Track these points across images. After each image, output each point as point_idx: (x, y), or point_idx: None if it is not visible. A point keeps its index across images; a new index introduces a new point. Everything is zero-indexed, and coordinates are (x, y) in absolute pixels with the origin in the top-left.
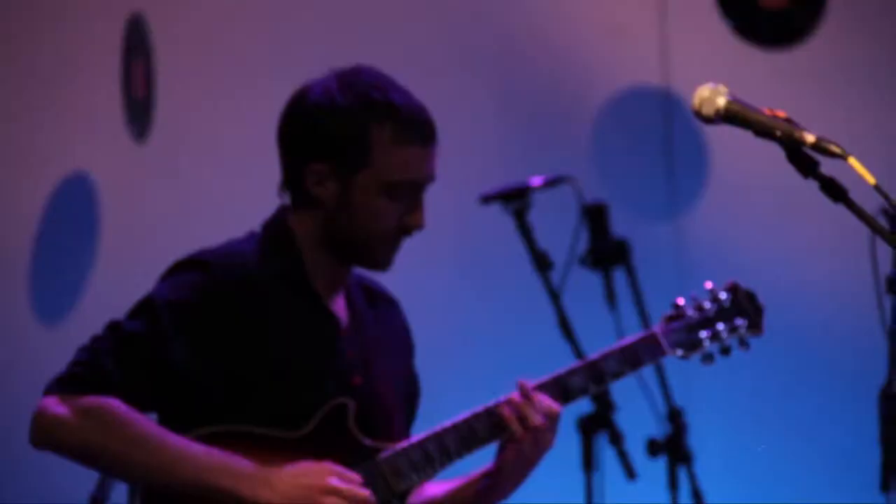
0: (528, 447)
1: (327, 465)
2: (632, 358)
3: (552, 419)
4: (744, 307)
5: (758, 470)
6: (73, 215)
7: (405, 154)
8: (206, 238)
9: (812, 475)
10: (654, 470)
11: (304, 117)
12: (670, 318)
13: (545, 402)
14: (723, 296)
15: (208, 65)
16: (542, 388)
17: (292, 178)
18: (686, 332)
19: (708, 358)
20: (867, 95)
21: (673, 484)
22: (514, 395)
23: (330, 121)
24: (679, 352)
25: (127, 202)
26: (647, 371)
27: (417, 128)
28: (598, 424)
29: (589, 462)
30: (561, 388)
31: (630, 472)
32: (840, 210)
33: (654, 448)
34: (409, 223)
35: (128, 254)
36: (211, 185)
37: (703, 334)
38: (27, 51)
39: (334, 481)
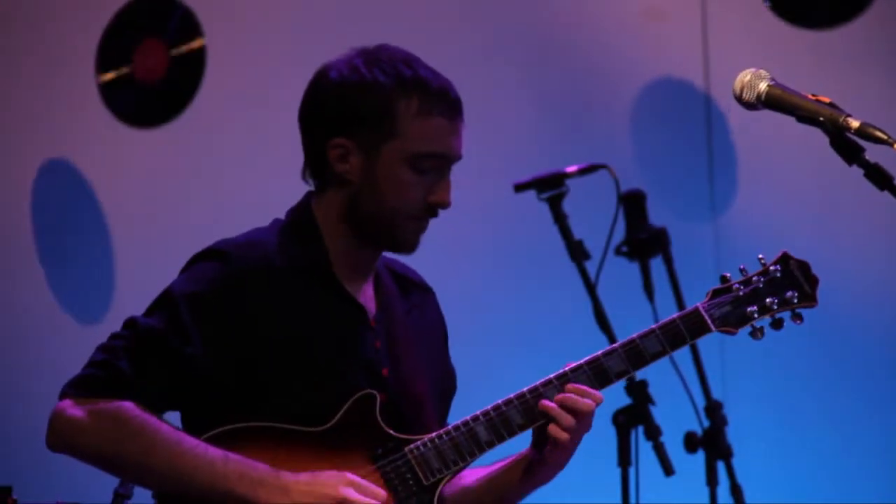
0: (572, 434)
1: (346, 475)
2: (673, 336)
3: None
4: (795, 278)
5: (799, 466)
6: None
7: (431, 125)
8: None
9: (855, 472)
10: (692, 465)
11: (328, 93)
12: (716, 292)
13: (583, 390)
14: (773, 268)
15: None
16: (577, 370)
17: (315, 157)
18: (732, 306)
19: (757, 332)
20: None
21: (712, 480)
22: (554, 382)
23: (356, 95)
24: (725, 328)
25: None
26: (686, 363)
27: (444, 101)
28: (635, 418)
29: (625, 457)
30: (597, 371)
31: (667, 468)
32: (886, 199)
33: (692, 443)
34: (434, 201)
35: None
36: (244, 171)
37: (751, 308)
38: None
39: (350, 493)
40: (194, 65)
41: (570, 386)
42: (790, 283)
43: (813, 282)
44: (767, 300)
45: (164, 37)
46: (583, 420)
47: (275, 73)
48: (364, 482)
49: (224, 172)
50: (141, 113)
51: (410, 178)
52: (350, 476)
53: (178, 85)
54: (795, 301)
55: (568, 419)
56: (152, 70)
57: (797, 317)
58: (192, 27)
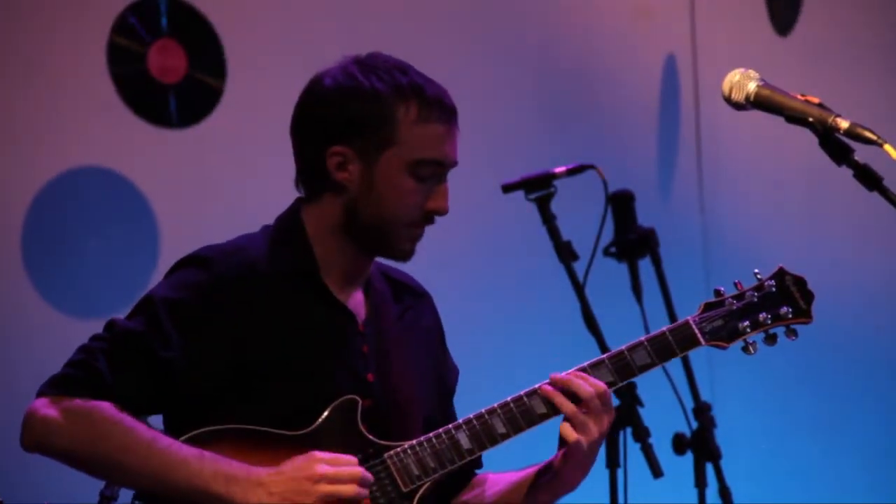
0: (589, 422)
1: (314, 454)
2: (662, 348)
3: (604, 396)
4: (790, 294)
5: (787, 468)
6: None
7: (430, 131)
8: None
9: (842, 473)
10: (680, 467)
11: (325, 101)
12: (708, 306)
13: (591, 380)
14: (768, 282)
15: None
16: None
17: (312, 166)
18: (724, 320)
19: (750, 347)
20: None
21: (700, 481)
22: (555, 377)
23: (355, 102)
24: (715, 342)
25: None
26: (674, 365)
27: (440, 107)
28: (623, 420)
29: (613, 459)
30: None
31: (656, 470)
32: (876, 200)
33: (680, 444)
34: (433, 208)
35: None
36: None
37: (744, 323)
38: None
39: (323, 468)
40: (214, 63)
41: (571, 372)
42: (785, 299)
43: (809, 297)
44: (761, 315)
45: (177, 36)
46: (589, 409)
47: (299, 70)
48: (334, 455)
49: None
50: (167, 114)
51: (410, 185)
52: (319, 453)
53: (200, 85)
54: (790, 317)
55: (568, 406)
56: (171, 71)
57: (791, 332)
58: (202, 24)
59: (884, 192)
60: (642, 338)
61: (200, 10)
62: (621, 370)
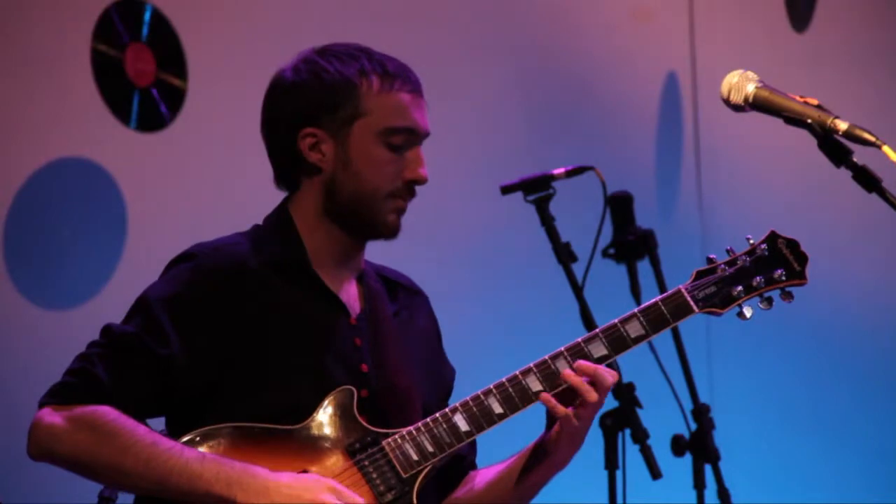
0: (590, 409)
1: (329, 482)
2: (655, 319)
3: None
4: (783, 256)
5: (786, 469)
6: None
7: (395, 99)
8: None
9: (842, 475)
10: (679, 469)
11: (290, 90)
12: (700, 273)
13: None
14: (761, 246)
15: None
16: (557, 357)
17: (286, 156)
18: (717, 286)
19: (745, 311)
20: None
21: (699, 483)
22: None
23: (318, 85)
24: (709, 308)
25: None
26: (673, 366)
27: (404, 78)
28: (622, 421)
29: (612, 460)
30: (579, 357)
31: (655, 472)
32: (874, 201)
33: (679, 446)
34: (410, 177)
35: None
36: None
37: (738, 288)
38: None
39: (329, 498)
40: (178, 67)
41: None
42: (778, 262)
43: (802, 259)
44: (755, 280)
45: (146, 40)
46: (602, 396)
47: (263, 65)
48: (346, 490)
49: (228, 172)
50: (144, 117)
51: (384, 155)
52: (333, 483)
53: (169, 88)
54: (784, 279)
55: (592, 394)
56: (144, 74)
57: (787, 295)
58: (164, 27)
59: (882, 193)
60: (635, 309)
61: (166, 14)
62: (615, 342)
